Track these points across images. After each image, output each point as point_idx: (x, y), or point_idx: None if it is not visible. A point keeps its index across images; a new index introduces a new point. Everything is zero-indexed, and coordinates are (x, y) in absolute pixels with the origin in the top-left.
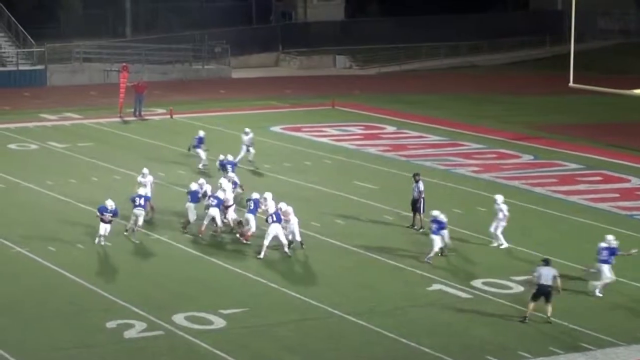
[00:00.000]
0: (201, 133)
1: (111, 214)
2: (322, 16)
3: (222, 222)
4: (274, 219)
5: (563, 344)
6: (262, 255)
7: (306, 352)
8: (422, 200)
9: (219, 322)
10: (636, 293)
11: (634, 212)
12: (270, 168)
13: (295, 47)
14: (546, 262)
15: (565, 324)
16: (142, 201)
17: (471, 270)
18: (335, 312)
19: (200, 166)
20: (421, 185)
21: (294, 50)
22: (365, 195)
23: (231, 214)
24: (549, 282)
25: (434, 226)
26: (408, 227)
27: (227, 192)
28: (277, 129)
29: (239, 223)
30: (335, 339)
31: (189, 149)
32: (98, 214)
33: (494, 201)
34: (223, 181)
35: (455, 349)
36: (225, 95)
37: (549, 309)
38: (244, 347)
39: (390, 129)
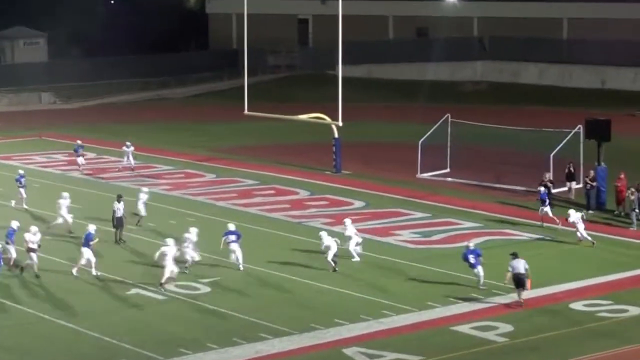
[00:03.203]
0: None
1: None
2: (28, 58)
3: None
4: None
5: (243, 335)
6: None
7: (21, 351)
8: (124, 217)
9: None
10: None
11: (302, 220)
12: None
13: (4, 86)
14: (515, 255)
15: (248, 317)
16: None
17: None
18: (46, 317)
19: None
20: (122, 205)
21: (3, 88)
22: (71, 213)
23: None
24: (522, 271)
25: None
26: (115, 241)
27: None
28: None
29: None
30: (46, 340)
31: None
32: None
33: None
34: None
35: (152, 345)
36: None
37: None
38: None
39: (90, 155)
